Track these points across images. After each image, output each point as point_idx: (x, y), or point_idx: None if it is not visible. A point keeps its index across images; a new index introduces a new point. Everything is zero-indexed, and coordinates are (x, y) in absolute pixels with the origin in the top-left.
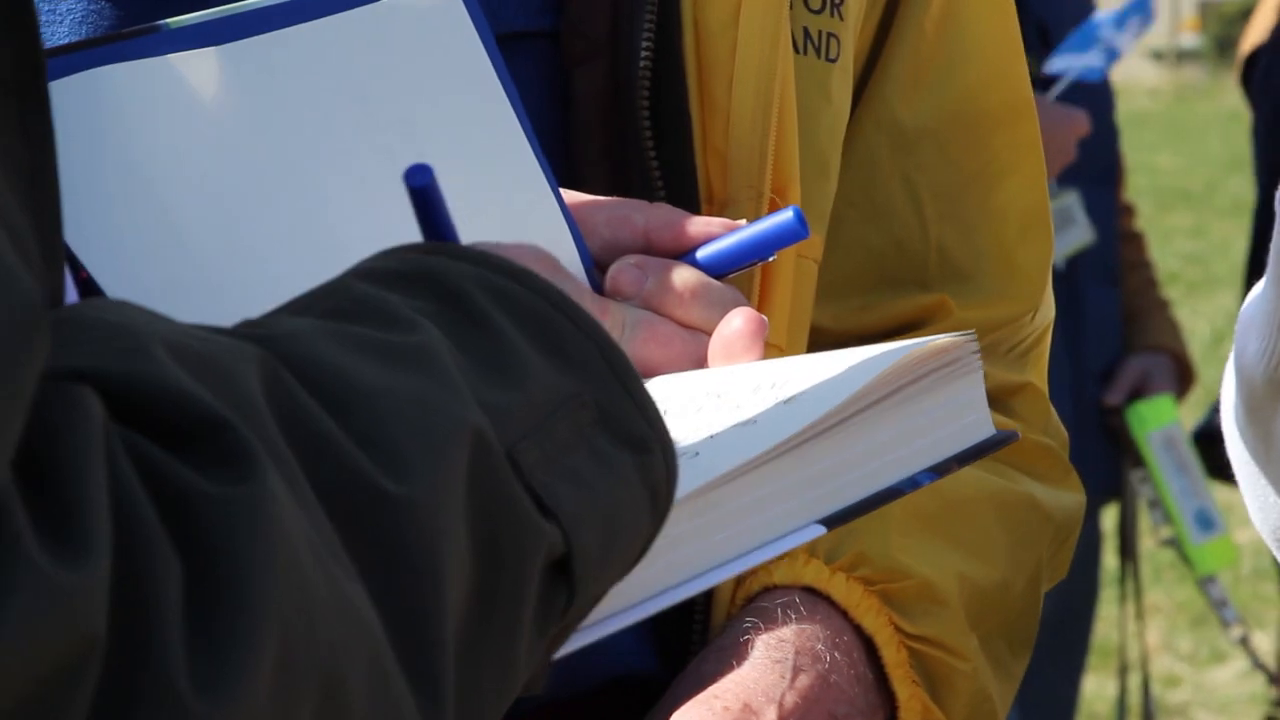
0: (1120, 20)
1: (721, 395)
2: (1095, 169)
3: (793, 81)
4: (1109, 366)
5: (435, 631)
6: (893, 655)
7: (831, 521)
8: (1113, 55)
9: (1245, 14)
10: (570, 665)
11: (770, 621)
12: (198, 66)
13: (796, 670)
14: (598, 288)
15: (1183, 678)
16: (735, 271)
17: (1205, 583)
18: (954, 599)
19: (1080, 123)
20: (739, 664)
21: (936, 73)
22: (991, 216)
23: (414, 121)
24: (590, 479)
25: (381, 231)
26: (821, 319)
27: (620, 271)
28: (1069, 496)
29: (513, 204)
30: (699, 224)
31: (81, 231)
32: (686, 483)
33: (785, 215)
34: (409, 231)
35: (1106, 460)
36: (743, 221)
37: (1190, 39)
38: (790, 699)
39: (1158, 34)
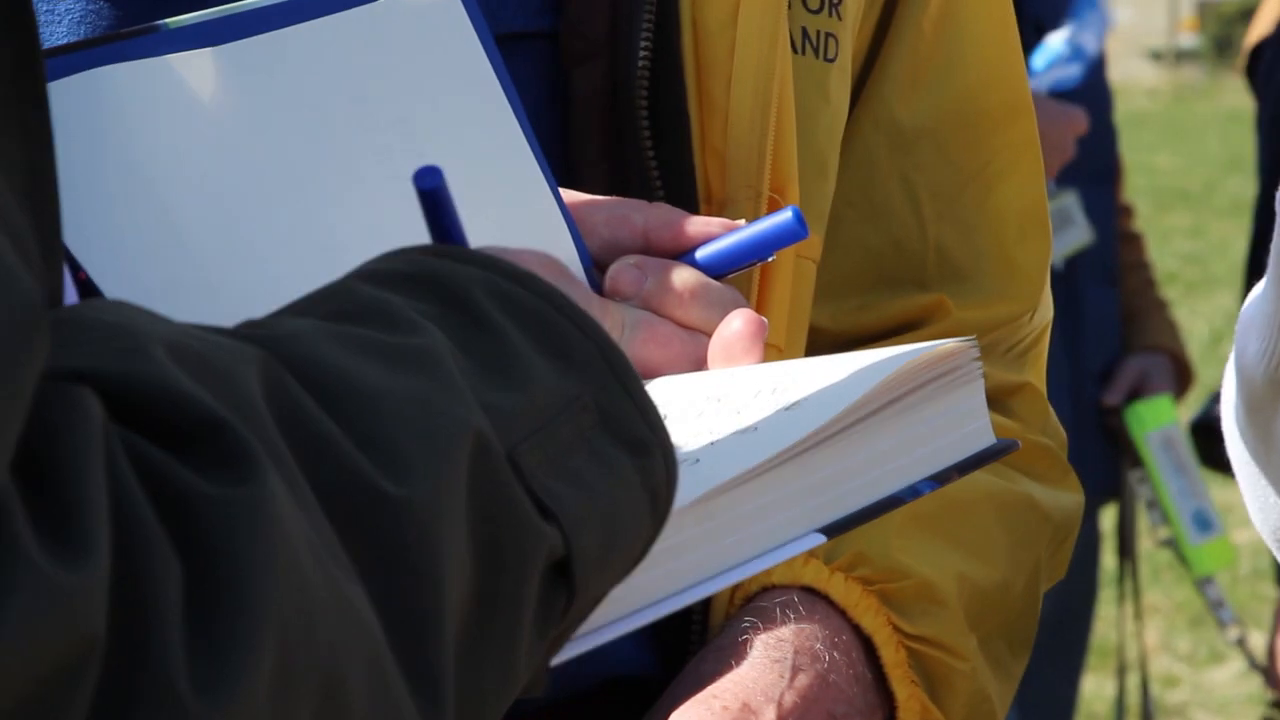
0: (1080, 24)
1: (722, 400)
2: (1094, 169)
3: (791, 81)
4: (1108, 367)
5: (435, 633)
6: (891, 655)
7: (832, 530)
8: (1083, 58)
9: (1244, 14)
10: (569, 666)
11: (769, 621)
12: (197, 67)
13: (795, 670)
14: (597, 288)
15: (1181, 678)
16: (734, 272)
17: (1203, 583)
18: (953, 599)
19: (1078, 121)
20: (738, 664)
21: (935, 72)
22: (990, 216)
23: (413, 121)
24: (591, 481)
25: (381, 231)
26: (820, 319)
27: (619, 272)
28: (1067, 496)
29: (512, 204)
30: (698, 224)
31: (81, 232)
32: (687, 490)
33: (784, 215)
34: (408, 231)
35: (1105, 460)
36: (742, 222)
37: (1189, 39)
38: (789, 698)
39: (1156, 34)
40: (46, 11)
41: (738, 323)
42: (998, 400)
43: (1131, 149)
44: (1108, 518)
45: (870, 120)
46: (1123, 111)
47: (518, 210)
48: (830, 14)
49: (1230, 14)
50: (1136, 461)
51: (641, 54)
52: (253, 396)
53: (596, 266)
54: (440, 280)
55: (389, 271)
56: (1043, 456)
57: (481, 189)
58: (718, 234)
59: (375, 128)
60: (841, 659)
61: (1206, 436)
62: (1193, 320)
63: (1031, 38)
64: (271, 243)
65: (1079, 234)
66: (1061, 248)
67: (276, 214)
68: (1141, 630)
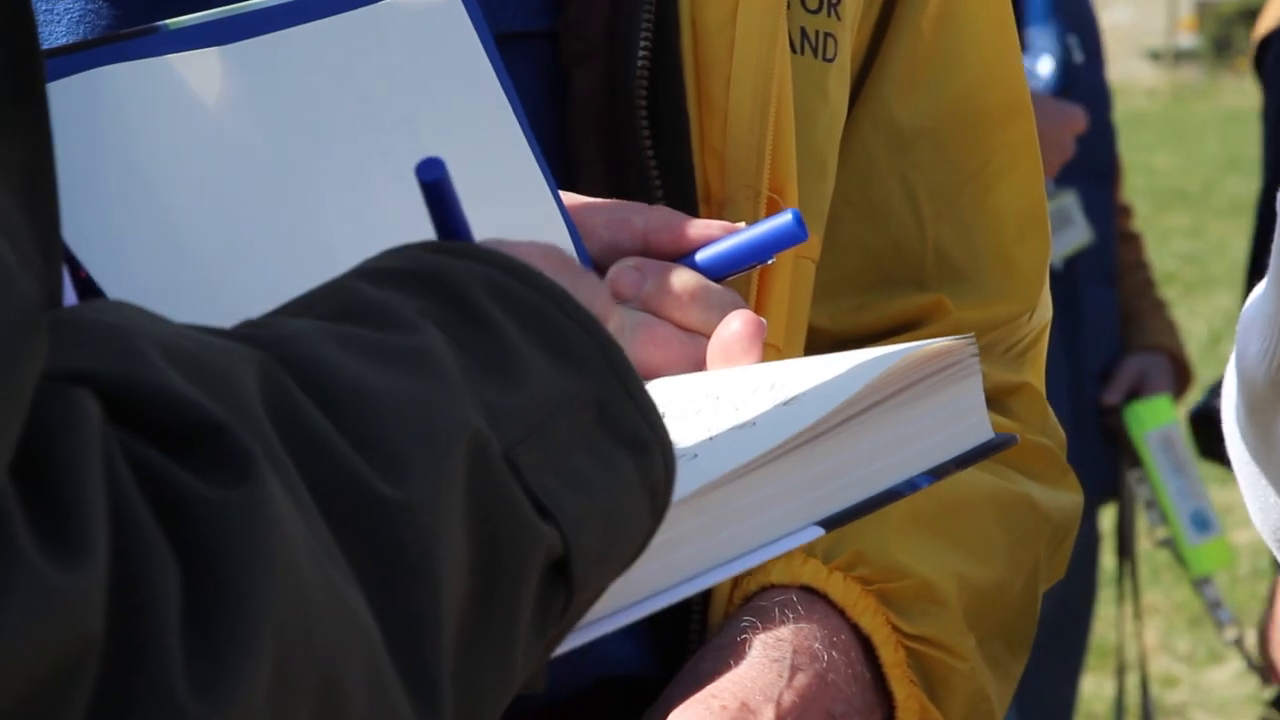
0: (1032, 53)
1: (720, 397)
2: (1093, 169)
3: (790, 81)
4: (1107, 367)
5: (432, 634)
6: (890, 655)
7: (830, 523)
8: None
9: (1243, 14)
10: (568, 665)
11: (768, 620)
12: (198, 67)
13: (794, 669)
14: None
15: (1180, 678)
16: (734, 274)
17: (1200, 584)
18: (952, 599)
19: (1077, 119)
20: (736, 663)
21: (933, 72)
22: (989, 216)
23: (414, 122)
24: (589, 479)
25: (381, 231)
26: (818, 319)
27: (619, 274)
28: (1066, 496)
29: (512, 205)
30: (698, 226)
31: (82, 232)
32: (685, 484)
33: (784, 218)
34: (410, 231)
35: (1104, 460)
36: (742, 224)
37: (1188, 39)
38: (788, 698)
39: (1155, 34)
40: (45, 11)
41: (736, 323)
42: (996, 400)
43: (1130, 149)
44: (1107, 518)
45: (869, 120)
46: (1121, 111)
47: (517, 211)
48: (829, 14)
49: (1229, 14)
50: (1135, 461)
51: (640, 54)
52: (250, 398)
53: (596, 268)
54: (439, 277)
55: (388, 269)
56: (1041, 456)
57: (481, 190)
58: (717, 236)
59: (376, 128)
60: (840, 658)
61: (1205, 428)
62: (1191, 320)
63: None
64: (272, 243)
65: (1078, 234)
66: (1061, 248)
67: (277, 214)
68: (1141, 630)
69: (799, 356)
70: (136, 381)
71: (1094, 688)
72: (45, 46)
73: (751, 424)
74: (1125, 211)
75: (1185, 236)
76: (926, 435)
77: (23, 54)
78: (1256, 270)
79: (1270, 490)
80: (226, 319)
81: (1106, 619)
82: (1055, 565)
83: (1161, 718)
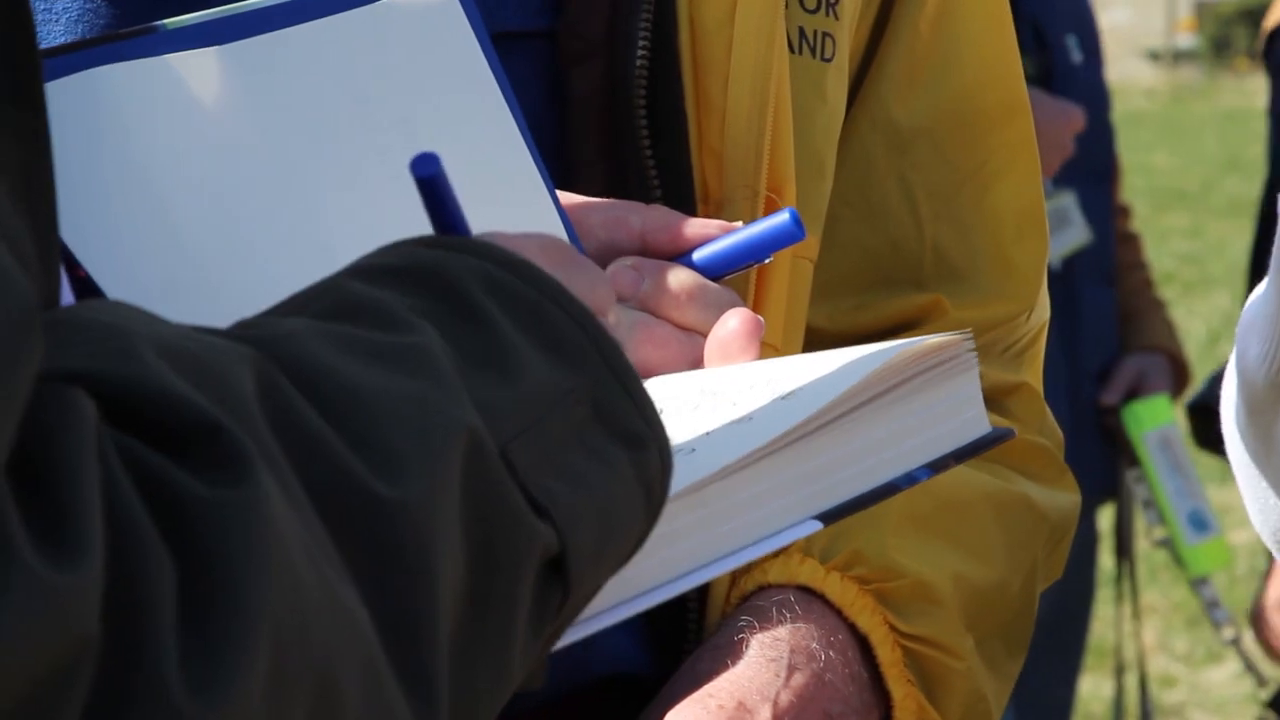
0: None
1: (718, 393)
2: (1091, 169)
3: (788, 81)
4: (1105, 366)
5: (429, 633)
6: (888, 654)
7: (828, 517)
8: None
9: (1241, 14)
10: (565, 663)
11: (765, 620)
12: (196, 67)
13: (791, 669)
14: None
15: (1178, 678)
16: (732, 273)
17: (1198, 584)
18: (949, 598)
19: (1076, 118)
20: (734, 662)
21: (931, 72)
22: (987, 216)
23: (412, 121)
24: (585, 476)
25: (379, 231)
26: (816, 319)
27: (617, 273)
28: (1064, 497)
29: (509, 205)
30: (695, 226)
31: (79, 231)
32: (682, 478)
33: (782, 217)
34: (408, 230)
35: (1103, 460)
36: (739, 223)
37: (1186, 39)
38: (785, 698)
39: (1154, 34)
40: (44, 10)
41: (734, 322)
42: (994, 400)
43: (1129, 149)
44: (1105, 518)
45: (867, 120)
46: (1120, 111)
47: (514, 211)
48: (827, 14)
49: (1228, 14)
50: (1134, 461)
51: (639, 54)
52: (246, 398)
53: None
54: (433, 273)
55: (381, 266)
56: (1039, 456)
57: (478, 190)
58: (715, 235)
59: (374, 128)
60: (837, 658)
61: (1203, 418)
62: (1190, 320)
63: (1029, 37)
64: (270, 242)
65: (1077, 234)
66: (1059, 248)
67: (275, 214)
68: (1139, 630)
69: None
70: (133, 381)
71: (1092, 688)
72: (43, 46)
73: (748, 418)
74: (1124, 211)
75: (1184, 237)
76: (924, 429)
77: (21, 53)
78: (1258, 270)
79: (1270, 492)
80: (224, 318)
81: (1105, 619)
82: (1053, 565)
83: (1160, 718)
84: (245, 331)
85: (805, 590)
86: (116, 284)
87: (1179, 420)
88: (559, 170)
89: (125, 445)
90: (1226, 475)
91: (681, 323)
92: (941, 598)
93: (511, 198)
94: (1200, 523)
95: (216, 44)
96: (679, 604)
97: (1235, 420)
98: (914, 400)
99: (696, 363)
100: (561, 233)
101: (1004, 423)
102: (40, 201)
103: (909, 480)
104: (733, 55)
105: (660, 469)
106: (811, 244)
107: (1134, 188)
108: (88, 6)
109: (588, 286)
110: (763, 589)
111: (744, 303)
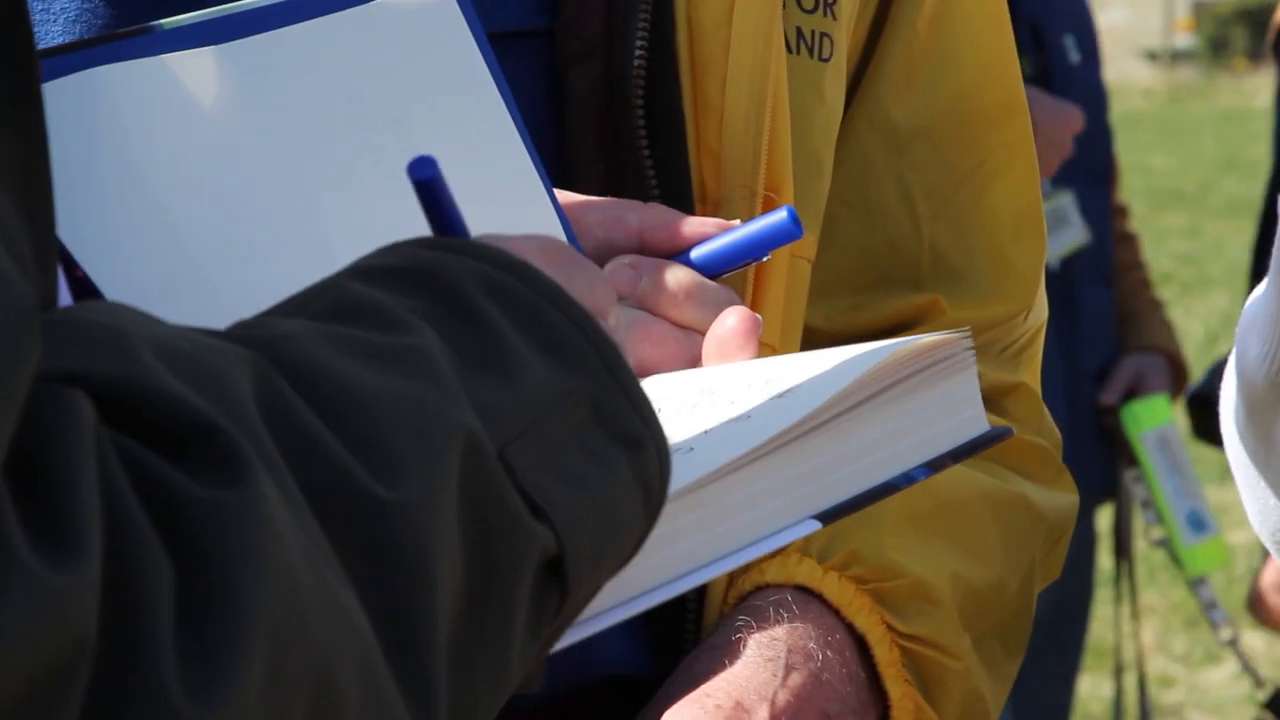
0: None
1: (716, 392)
2: (1089, 169)
3: (786, 81)
4: (1103, 367)
5: (427, 634)
6: (885, 654)
7: (826, 517)
8: None
9: (1240, 14)
10: (563, 664)
11: (763, 620)
12: (193, 67)
13: (789, 669)
14: None
15: (1177, 678)
16: (729, 271)
17: (1196, 584)
18: (947, 598)
19: (1076, 118)
20: (731, 662)
21: (929, 71)
22: (985, 216)
23: (409, 121)
24: (584, 478)
25: (377, 231)
26: (814, 319)
27: (614, 272)
28: (1062, 497)
29: (507, 204)
30: (693, 224)
31: (77, 232)
32: (681, 478)
33: (779, 215)
34: (405, 230)
35: (1101, 460)
36: (737, 221)
37: (1184, 39)
38: (782, 697)
39: (1152, 34)
40: (41, 11)
41: (732, 320)
42: (992, 400)
43: (1127, 149)
44: (1104, 518)
45: (865, 119)
46: (1118, 112)
47: (512, 210)
48: (825, 14)
49: (1226, 14)
50: (1132, 461)
51: (637, 53)
52: (244, 399)
53: None
54: (432, 274)
55: (381, 267)
56: (1037, 456)
57: (476, 189)
58: (713, 234)
59: (371, 127)
60: (835, 658)
61: (1202, 409)
62: (1188, 320)
63: (1027, 37)
64: (268, 242)
65: (1075, 234)
66: (1057, 248)
67: (273, 214)
68: (1138, 630)
69: None
70: (131, 382)
71: (1090, 688)
72: (41, 46)
73: (746, 417)
74: (1122, 212)
75: (1182, 237)
76: (922, 428)
77: (19, 54)
78: (1260, 270)
79: (1269, 492)
80: (222, 318)
81: (1103, 619)
82: (1051, 565)
83: (1158, 718)
84: (243, 332)
85: (803, 590)
86: (114, 284)
87: (1177, 420)
88: (556, 170)
89: (123, 446)
90: (1225, 475)
91: (679, 321)
92: (939, 597)
93: (510, 197)
94: (1198, 523)
95: (213, 44)
96: (677, 605)
97: (1235, 421)
98: (912, 399)
99: (694, 361)
100: (560, 232)
101: (1002, 422)
102: (39, 202)
103: (907, 480)
104: (730, 55)
105: (659, 470)
106: (809, 243)
107: (1132, 188)
108: (85, 6)
109: (587, 288)
110: (760, 589)
111: (742, 301)
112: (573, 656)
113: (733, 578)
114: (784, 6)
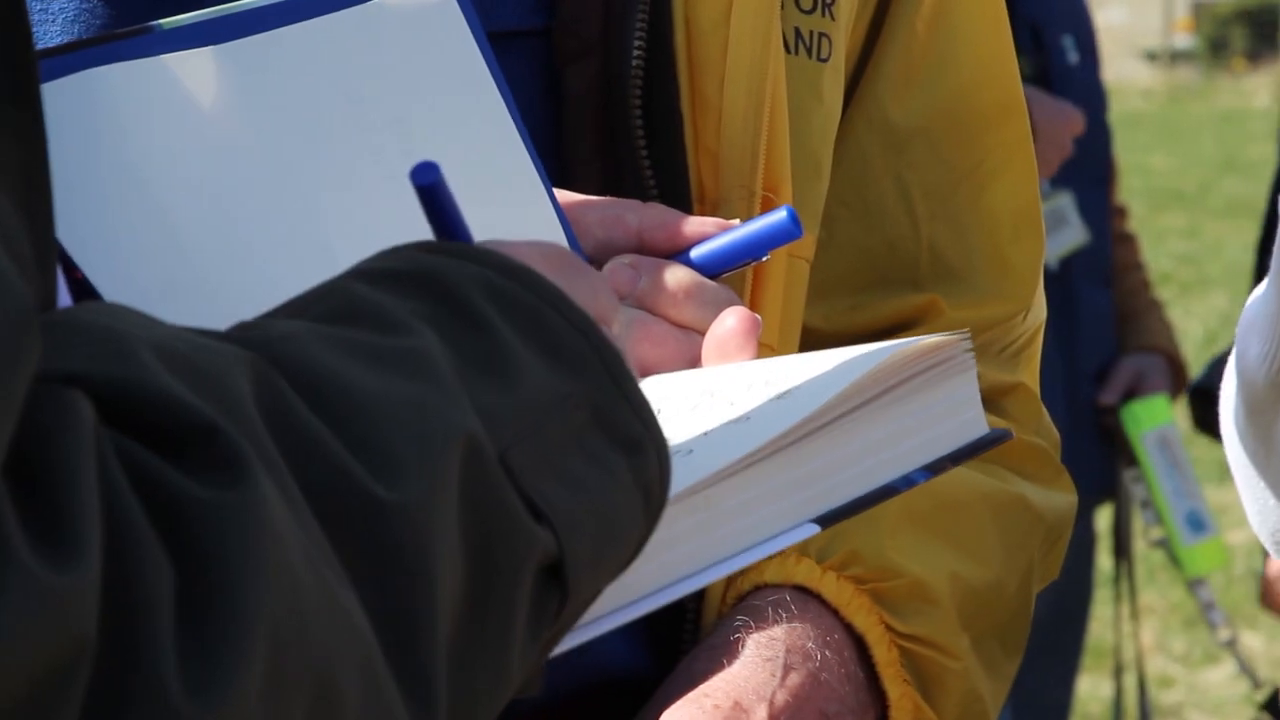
0: None
1: (715, 393)
2: (1089, 170)
3: (784, 81)
4: (1103, 367)
5: (427, 635)
6: (884, 654)
7: (826, 520)
8: None
9: (1239, 14)
10: (562, 665)
11: (761, 620)
12: (192, 67)
13: (787, 668)
14: None
15: (1176, 679)
16: (729, 271)
17: (1195, 584)
18: (945, 598)
19: (1076, 119)
20: (730, 662)
21: (928, 72)
22: (983, 216)
23: (408, 121)
24: (584, 481)
25: (376, 231)
26: (813, 319)
27: (614, 271)
28: (1060, 497)
29: (506, 204)
30: (692, 224)
31: (77, 233)
32: (681, 480)
33: (779, 215)
34: (405, 230)
35: (1101, 460)
36: (736, 221)
37: (1184, 40)
38: (781, 697)
39: (1151, 34)
40: (40, 11)
41: (731, 320)
42: (991, 400)
43: (1126, 150)
44: (1103, 518)
45: (863, 120)
46: (1117, 112)
47: (512, 210)
48: (823, 14)
49: (1225, 14)
50: (1132, 461)
51: (635, 53)
52: (244, 400)
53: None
54: (435, 278)
55: (383, 270)
56: (1036, 457)
57: (476, 189)
58: (712, 233)
59: (370, 127)
60: (834, 658)
61: (1203, 402)
62: (1187, 320)
63: (1025, 38)
64: (267, 243)
65: (1074, 234)
66: (1057, 248)
67: (272, 214)
68: (1137, 631)
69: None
70: (130, 383)
71: (1090, 688)
72: (40, 46)
73: (746, 419)
74: (1121, 212)
75: (1181, 237)
76: (922, 430)
77: (18, 54)
78: (1262, 270)
79: (1269, 493)
80: (222, 319)
81: (1103, 619)
82: (1049, 566)
83: (1157, 718)
84: (244, 333)
85: (801, 590)
86: (113, 285)
87: (1177, 420)
88: (554, 168)
89: (122, 446)
90: (1224, 475)
91: (679, 320)
92: (938, 597)
93: (509, 197)
94: (1197, 523)
95: (212, 44)
96: (676, 606)
97: (1234, 421)
98: (911, 401)
99: (694, 361)
100: (560, 232)
101: (1001, 423)
102: (38, 203)
103: (907, 483)
104: (728, 55)
105: (659, 473)
106: (808, 244)
107: (1131, 188)
108: (84, 7)
109: (590, 294)
110: (759, 589)
111: (741, 300)
112: (571, 657)
113: (732, 578)
114: (782, 7)
